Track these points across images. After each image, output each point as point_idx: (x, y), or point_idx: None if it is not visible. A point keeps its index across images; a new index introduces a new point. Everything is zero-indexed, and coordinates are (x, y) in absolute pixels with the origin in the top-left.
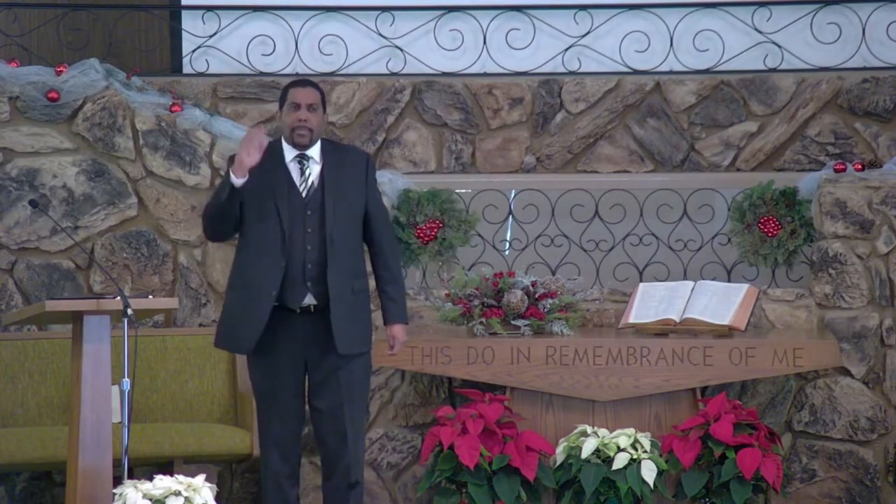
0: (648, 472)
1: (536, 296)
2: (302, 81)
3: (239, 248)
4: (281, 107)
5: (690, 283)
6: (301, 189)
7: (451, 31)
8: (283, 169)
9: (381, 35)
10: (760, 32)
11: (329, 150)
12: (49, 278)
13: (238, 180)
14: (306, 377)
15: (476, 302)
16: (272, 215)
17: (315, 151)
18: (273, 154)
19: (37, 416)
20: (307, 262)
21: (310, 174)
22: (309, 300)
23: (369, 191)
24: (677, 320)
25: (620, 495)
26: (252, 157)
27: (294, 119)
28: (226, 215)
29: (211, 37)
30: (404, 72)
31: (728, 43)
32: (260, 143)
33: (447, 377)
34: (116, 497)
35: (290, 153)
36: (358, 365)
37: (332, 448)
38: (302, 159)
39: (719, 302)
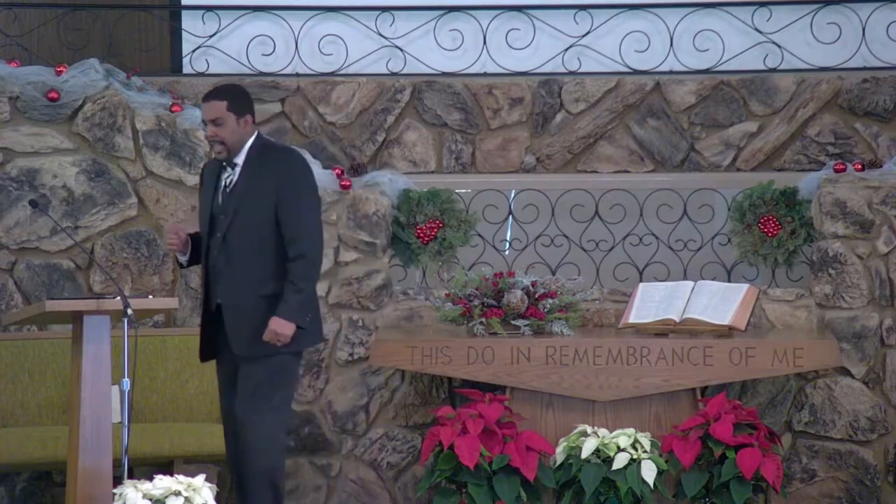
0: (648, 472)
1: (536, 296)
2: (207, 94)
3: None
4: None
5: (690, 283)
6: (219, 195)
7: (451, 31)
8: (217, 177)
9: (381, 35)
10: (760, 32)
11: (255, 153)
12: (49, 278)
13: (183, 258)
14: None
15: (476, 302)
16: (202, 223)
17: (241, 156)
18: (218, 162)
19: (37, 416)
20: (210, 265)
21: (229, 180)
22: (218, 301)
23: (280, 194)
24: (677, 320)
25: (620, 495)
26: (175, 244)
27: (207, 136)
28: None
29: (211, 37)
30: (404, 72)
31: (728, 43)
32: (175, 231)
33: (447, 377)
34: (116, 497)
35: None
36: (263, 366)
37: (237, 443)
38: (227, 165)
39: (719, 302)
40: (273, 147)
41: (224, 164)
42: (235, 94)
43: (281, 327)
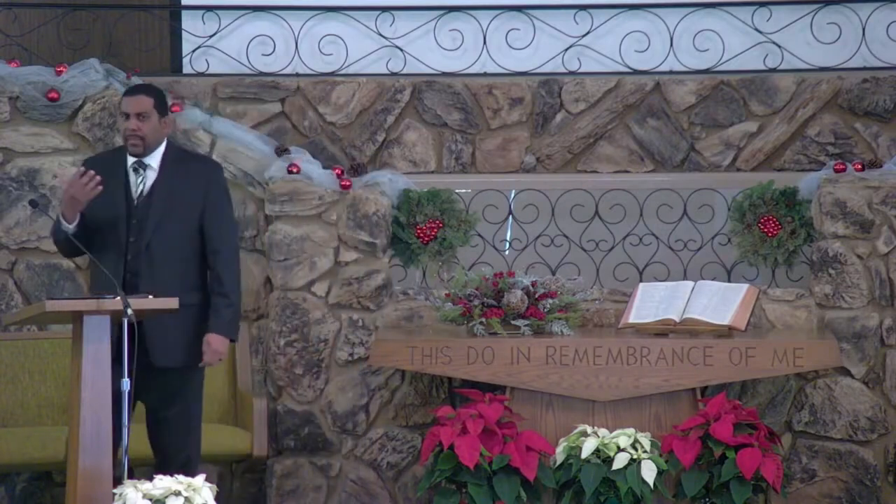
0: (648, 472)
1: (536, 296)
2: (133, 88)
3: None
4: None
5: (690, 283)
6: (133, 197)
7: (451, 31)
8: (122, 176)
9: (381, 35)
10: (760, 32)
11: (173, 158)
12: (49, 278)
13: (70, 226)
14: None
15: (476, 302)
16: (106, 222)
17: (154, 159)
18: (116, 161)
19: (37, 416)
20: (126, 271)
21: (143, 182)
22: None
23: (207, 204)
24: (677, 320)
25: (620, 495)
26: (86, 191)
27: (125, 129)
28: (72, 245)
29: (211, 37)
30: (404, 72)
31: (728, 43)
32: (80, 177)
33: (447, 377)
34: (116, 497)
35: (130, 160)
36: (186, 378)
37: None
38: (138, 167)
39: (719, 302)
40: (196, 155)
41: (134, 165)
42: (161, 95)
43: (219, 344)
